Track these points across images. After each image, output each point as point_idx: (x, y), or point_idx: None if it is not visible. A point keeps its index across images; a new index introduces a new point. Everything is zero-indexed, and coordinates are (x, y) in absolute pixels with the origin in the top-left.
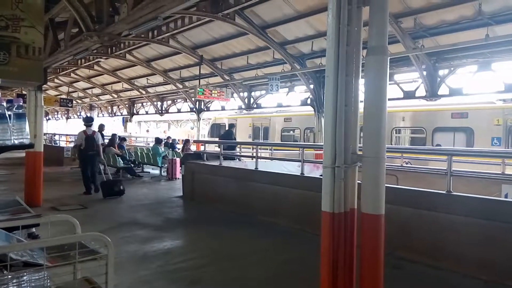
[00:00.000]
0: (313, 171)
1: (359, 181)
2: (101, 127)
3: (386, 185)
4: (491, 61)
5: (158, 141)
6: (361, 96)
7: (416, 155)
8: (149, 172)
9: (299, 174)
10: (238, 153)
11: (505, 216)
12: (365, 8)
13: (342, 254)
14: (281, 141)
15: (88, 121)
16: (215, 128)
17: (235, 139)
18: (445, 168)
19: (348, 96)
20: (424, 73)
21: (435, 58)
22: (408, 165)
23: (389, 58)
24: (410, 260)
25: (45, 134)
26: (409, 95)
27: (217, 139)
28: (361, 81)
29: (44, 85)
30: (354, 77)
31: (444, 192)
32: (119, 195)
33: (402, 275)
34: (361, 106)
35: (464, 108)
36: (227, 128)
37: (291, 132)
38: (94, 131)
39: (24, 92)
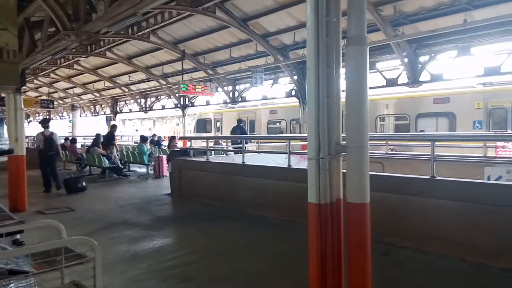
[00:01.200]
0: (301, 162)
1: (344, 171)
2: (113, 127)
3: (371, 173)
4: (470, 46)
5: (143, 139)
6: (343, 86)
7: (400, 141)
8: (135, 171)
9: (286, 166)
10: (225, 148)
11: (488, 198)
12: None
13: (330, 244)
14: (268, 133)
15: (45, 122)
16: (201, 124)
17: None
18: (429, 154)
19: (330, 87)
20: (406, 60)
21: (415, 45)
22: (393, 152)
23: (368, 47)
24: (399, 246)
25: (27, 137)
26: (391, 82)
27: (204, 135)
28: (342, 71)
29: (24, 87)
30: (335, 68)
31: (428, 177)
32: (81, 191)
33: (391, 261)
34: (343, 96)
35: (446, 93)
36: (224, 122)
37: (277, 124)
38: (52, 132)
39: (3, 95)
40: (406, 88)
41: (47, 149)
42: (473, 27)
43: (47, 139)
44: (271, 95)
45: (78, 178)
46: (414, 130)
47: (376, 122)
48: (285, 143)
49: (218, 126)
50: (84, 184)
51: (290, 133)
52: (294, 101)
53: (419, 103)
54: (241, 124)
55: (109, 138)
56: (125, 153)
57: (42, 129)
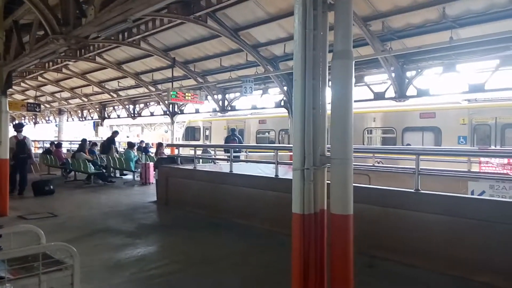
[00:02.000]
0: (288, 173)
1: (329, 182)
2: (115, 133)
3: (355, 184)
4: (456, 63)
5: (130, 145)
6: (329, 99)
7: (386, 154)
8: (121, 177)
9: (273, 176)
10: (213, 156)
11: (471, 212)
12: (330, 13)
13: (313, 255)
14: (256, 143)
15: (19, 127)
16: (190, 131)
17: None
18: (414, 167)
19: (315, 99)
20: (393, 74)
21: (403, 60)
22: (379, 165)
23: (354, 61)
24: (382, 258)
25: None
26: (379, 96)
27: (193, 142)
28: (329, 84)
29: (10, 89)
30: (321, 81)
31: (412, 190)
32: (49, 194)
33: (374, 273)
34: (328, 108)
35: (432, 108)
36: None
37: (266, 134)
38: (24, 137)
39: None
40: (394, 102)
41: (19, 152)
42: (458, 45)
43: (20, 142)
44: (261, 104)
45: (46, 182)
46: (400, 143)
47: (363, 134)
48: (273, 153)
49: (207, 134)
50: (52, 187)
51: (279, 143)
52: (283, 111)
53: (406, 117)
54: (235, 133)
55: (110, 142)
56: (111, 159)
57: (15, 133)
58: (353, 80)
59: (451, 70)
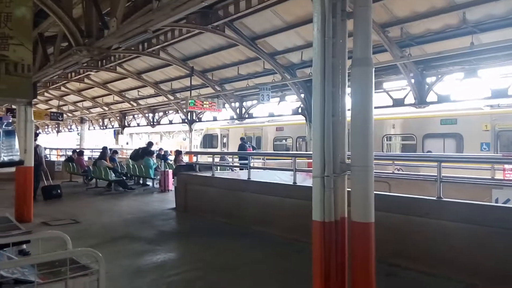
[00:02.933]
0: (306, 180)
1: (349, 189)
2: (150, 145)
3: (377, 192)
4: (477, 68)
5: (150, 153)
6: (349, 105)
7: (406, 161)
8: (149, 185)
9: (291, 183)
10: (231, 163)
11: (496, 221)
12: (349, 20)
13: (333, 263)
14: (274, 150)
15: (34, 136)
16: (207, 139)
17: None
18: (435, 175)
19: (335, 106)
20: (412, 80)
21: (422, 66)
22: (399, 172)
23: (374, 68)
24: (404, 267)
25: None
26: (398, 102)
27: (210, 150)
28: (348, 91)
29: (34, 99)
30: (340, 88)
31: (434, 198)
32: (58, 198)
33: (396, 282)
34: (348, 115)
35: (453, 114)
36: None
37: (283, 141)
38: (37, 145)
39: (13, 107)
40: (413, 108)
41: None
42: (479, 50)
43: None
44: (278, 112)
45: (54, 186)
46: (421, 150)
47: (382, 141)
48: (290, 160)
49: (224, 142)
50: (59, 191)
51: (296, 150)
52: (300, 118)
53: (426, 124)
54: (244, 142)
55: (145, 151)
56: (131, 166)
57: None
58: (373, 87)
59: (472, 75)
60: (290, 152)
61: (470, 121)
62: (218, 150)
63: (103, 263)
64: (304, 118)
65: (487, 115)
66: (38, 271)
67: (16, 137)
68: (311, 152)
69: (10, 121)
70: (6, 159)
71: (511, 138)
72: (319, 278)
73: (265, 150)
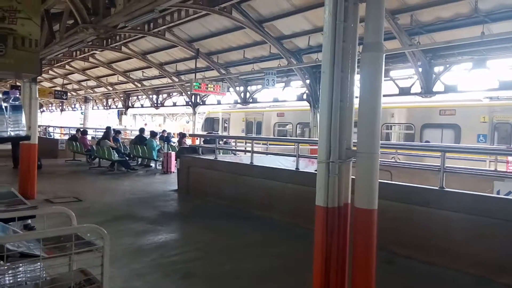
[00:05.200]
0: (308, 166)
1: (353, 176)
2: (142, 131)
3: (379, 180)
4: (486, 59)
5: (153, 134)
6: (357, 92)
7: (407, 151)
8: (151, 166)
9: (294, 169)
10: (234, 147)
11: (497, 212)
12: (361, 4)
13: (335, 248)
14: (274, 135)
15: None
16: (209, 122)
17: None
18: (439, 164)
19: (343, 92)
20: (420, 69)
21: (430, 55)
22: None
23: (384, 54)
24: (403, 255)
25: (39, 126)
26: (404, 91)
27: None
28: (357, 77)
29: (39, 77)
30: (349, 73)
31: (437, 188)
32: (38, 168)
33: (395, 270)
34: (356, 102)
35: (452, 105)
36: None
37: (284, 126)
38: None
39: (18, 84)
40: (413, 97)
41: None
42: (490, 40)
43: None
44: (282, 97)
45: None
46: (419, 140)
47: (381, 129)
48: (292, 146)
49: (225, 125)
50: (40, 162)
51: (296, 136)
52: (301, 104)
53: (425, 114)
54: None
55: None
56: (134, 147)
57: None
58: (383, 73)
59: (481, 66)
60: (294, 138)
61: (468, 113)
62: (219, 133)
63: (108, 240)
64: (306, 104)
65: (485, 107)
66: (43, 246)
67: (23, 113)
68: (315, 139)
69: (18, 96)
70: (12, 133)
71: (508, 131)
72: (319, 262)
73: (265, 135)
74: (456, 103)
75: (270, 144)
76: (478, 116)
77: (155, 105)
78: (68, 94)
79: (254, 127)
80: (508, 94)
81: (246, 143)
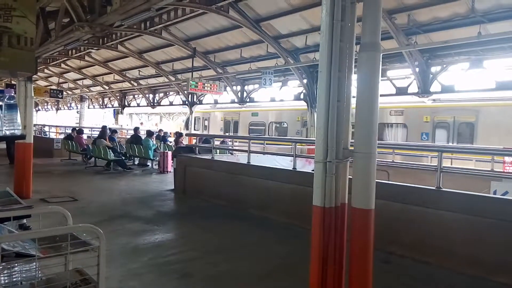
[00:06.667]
0: (305, 166)
1: (350, 176)
2: (136, 130)
3: (376, 180)
4: (483, 59)
5: (149, 133)
6: (354, 92)
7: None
8: (148, 165)
9: (291, 168)
10: (231, 147)
11: (493, 212)
12: (358, 4)
13: (332, 248)
14: (249, 134)
15: None
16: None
17: None
18: (435, 165)
19: (340, 91)
20: (417, 69)
21: (427, 54)
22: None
23: (381, 54)
24: (400, 255)
25: (34, 125)
26: (401, 91)
27: (193, 132)
28: (354, 77)
29: (34, 76)
30: (347, 73)
31: (433, 188)
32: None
33: (391, 270)
34: (353, 102)
35: (400, 106)
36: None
37: (258, 126)
38: None
39: (13, 82)
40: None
41: None
42: (487, 40)
43: None
44: (280, 97)
45: None
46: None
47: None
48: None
49: (205, 124)
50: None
51: (268, 135)
52: (273, 105)
53: (380, 114)
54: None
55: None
56: (130, 146)
57: None
58: (380, 73)
59: (478, 66)
60: (291, 137)
61: (413, 113)
62: (199, 132)
63: (104, 239)
64: (274, 105)
65: (428, 108)
66: (38, 246)
67: (18, 111)
68: (312, 138)
69: (13, 94)
70: (8, 132)
71: (447, 129)
72: (317, 262)
73: (241, 134)
74: (403, 104)
75: (267, 144)
76: (422, 116)
77: (152, 104)
78: (64, 93)
79: (231, 126)
80: (448, 97)
81: (237, 142)
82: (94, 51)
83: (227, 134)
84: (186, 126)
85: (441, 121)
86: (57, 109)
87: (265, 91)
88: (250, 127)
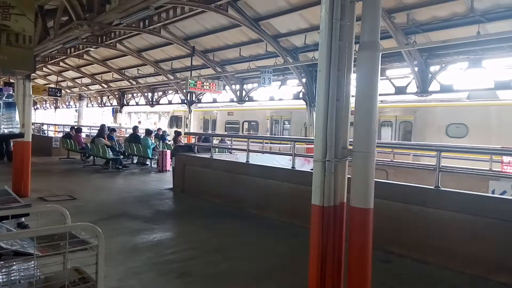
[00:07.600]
0: (304, 165)
1: (349, 175)
2: (135, 129)
3: (375, 179)
4: (482, 58)
5: (148, 132)
6: (353, 91)
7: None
8: (147, 164)
9: (290, 167)
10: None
11: (492, 212)
12: (358, 3)
13: (331, 247)
14: (225, 132)
15: None
16: (174, 120)
17: None
18: (434, 164)
19: (339, 90)
20: (416, 69)
21: (427, 54)
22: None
23: (381, 53)
24: (399, 254)
25: (33, 123)
26: (400, 90)
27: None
28: (353, 76)
29: (33, 74)
30: (346, 72)
31: (432, 187)
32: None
33: (390, 269)
34: (352, 101)
35: (253, 108)
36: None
37: (233, 124)
38: None
39: (12, 81)
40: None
41: None
42: (486, 40)
43: None
44: (278, 96)
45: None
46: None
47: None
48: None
49: (187, 123)
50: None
51: (243, 133)
52: (248, 105)
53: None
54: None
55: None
56: (129, 145)
57: None
58: (379, 72)
59: (477, 65)
60: (290, 137)
61: (261, 113)
62: (181, 130)
63: (103, 238)
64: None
65: (268, 109)
66: (37, 244)
67: (17, 110)
68: (311, 137)
69: (11, 92)
70: (6, 131)
71: (390, 127)
72: (315, 261)
73: (219, 132)
74: (259, 107)
75: (265, 143)
76: (265, 115)
77: (150, 103)
78: (62, 91)
79: (210, 125)
80: (393, 99)
81: (232, 140)
82: (92, 49)
83: (221, 133)
84: (170, 125)
85: (386, 120)
86: (56, 108)
87: (264, 90)
88: (226, 125)
